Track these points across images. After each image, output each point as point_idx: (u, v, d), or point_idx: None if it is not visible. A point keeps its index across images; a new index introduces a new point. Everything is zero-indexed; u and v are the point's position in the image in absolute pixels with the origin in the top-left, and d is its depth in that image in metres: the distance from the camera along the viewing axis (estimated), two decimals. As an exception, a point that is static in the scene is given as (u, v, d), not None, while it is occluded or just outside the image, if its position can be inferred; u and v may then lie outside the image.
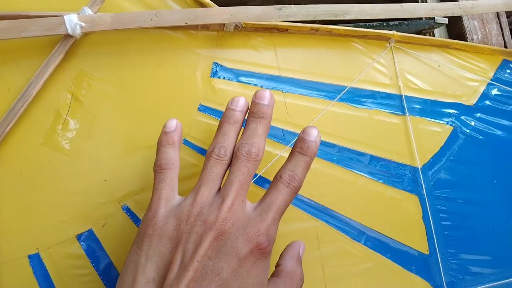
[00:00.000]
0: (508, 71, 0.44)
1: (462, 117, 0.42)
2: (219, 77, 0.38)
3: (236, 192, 0.28)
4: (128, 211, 0.35)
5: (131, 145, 0.36)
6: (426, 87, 0.42)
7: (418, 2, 0.49)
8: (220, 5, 0.37)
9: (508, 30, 0.49)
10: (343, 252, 0.38)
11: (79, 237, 0.35)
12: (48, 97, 0.35)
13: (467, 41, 0.47)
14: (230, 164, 0.30)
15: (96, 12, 0.35)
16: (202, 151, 0.37)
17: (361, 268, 0.38)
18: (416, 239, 0.39)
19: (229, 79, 0.38)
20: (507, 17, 0.50)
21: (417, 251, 0.39)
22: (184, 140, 0.37)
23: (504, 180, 0.42)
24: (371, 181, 0.39)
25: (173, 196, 0.29)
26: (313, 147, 0.31)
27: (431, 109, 0.42)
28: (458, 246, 0.40)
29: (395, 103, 0.41)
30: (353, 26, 0.43)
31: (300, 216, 0.37)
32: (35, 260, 0.34)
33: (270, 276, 0.30)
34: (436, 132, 0.41)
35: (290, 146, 0.38)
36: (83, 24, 0.34)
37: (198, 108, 0.37)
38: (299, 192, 0.35)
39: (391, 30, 0.45)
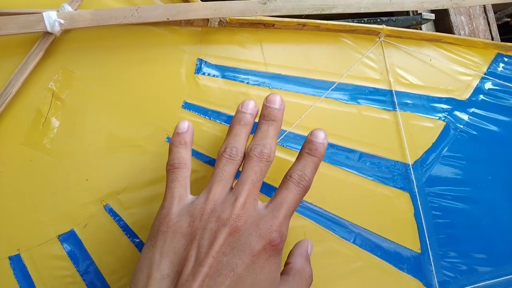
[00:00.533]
0: (502, 64, 0.43)
1: (455, 112, 0.41)
2: (203, 74, 0.37)
3: (248, 190, 0.29)
4: (110, 211, 0.35)
5: (113, 144, 0.35)
6: (418, 82, 0.41)
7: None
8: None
9: (496, 25, 0.48)
10: (332, 251, 0.37)
11: (60, 237, 0.34)
12: (29, 96, 0.35)
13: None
14: (241, 164, 0.31)
15: (76, 9, 0.35)
16: (186, 149, 0.36)
17: (351, 267, 0.37)
18: (407, 237, 0.38)
19: (214, 76, 0.37)
20: (495, 13, 0.49)
21: (409, 249, 0.38)
22: (168, 138, 0.36)
23: (498, 176, 0.41)
24: (361, 178, 0.38)
25: (186, 195, 0.30)
26: (321, 149, 0.32)
27: (422, 104, 0.41)
28: (451, 244, 0.39)
29: (386, 98, 0.40)
30: (342, 22, 0.42)
31: (287, 215, 0.37)
32: (16, 261, 0.33)
33: (280, 274, 0.30)
34: (428, 128, 0.40)
35: (282, 145, 0.37)
36: (62, 21, 0.33)
37: (182, 106, 0.37)
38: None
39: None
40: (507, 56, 0.44)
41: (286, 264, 0.31)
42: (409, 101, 0.40)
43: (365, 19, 0.43)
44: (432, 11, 0.45)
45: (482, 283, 0.39)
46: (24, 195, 0.34)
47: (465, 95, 0.42)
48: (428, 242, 0.38)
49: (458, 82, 0.42)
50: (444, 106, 0.41)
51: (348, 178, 0.38)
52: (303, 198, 0.36)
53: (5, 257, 0.33)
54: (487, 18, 0.47)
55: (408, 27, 0.46)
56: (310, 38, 0.40)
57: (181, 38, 0.37)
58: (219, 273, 0.26)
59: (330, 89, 0.39)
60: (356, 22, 0.42)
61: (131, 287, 0.27)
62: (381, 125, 0.40)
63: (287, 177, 0.31)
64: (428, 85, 0.41)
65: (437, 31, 0.48)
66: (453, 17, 0.46)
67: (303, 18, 0.39)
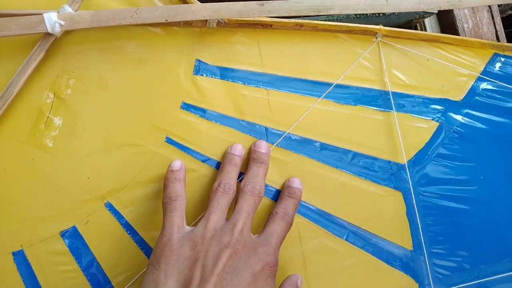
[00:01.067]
0: (499, 64, 0.44)
1: (449, 113, 0.42)
2: (202, 75, 0.38)
3: (244, 219, 0.33)
4: (111, 208, 0.36)
5: (114, 143, 0.36)
6: (413, 82, 0.41)
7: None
8: (204, 1, 0.37)
9: (500, 18, 0.47)
10: (325, 248, 0.38)
11: (62, 234, 0.35)
12: (30, 96, 0.35)
13: (457, 30, 0.47)
14: (233, 198, 0.35)
15: (76, 10, 0.35)
16: (184, 149, 0.37)
17: (344, 264, 0.38)
18: (400, 235, 0.39)
19: (212, 77, 0.38)
20: (498, 6, 0.49)
21: (401, 247, 0.39)
22: (167, 138, 0.37)
23: (491, 176, 0.42)
24: (354, 178, 0.39)
25: (183, 225, 0.33)
26: (298, 192, 0.37)
27: (417, 105, 0.41)
28: (443, 242, 0.40)
29: (381, 99, 0.41)
30: (342, 18, 0.42)
31: (282, 213, 0.38)
32: (19, 257, 0.34)
33: None
34: (422, 128, 0.41)
35: (276, 146, 0.38)
36: (62, 23, 0.34)
37: (181, 106, 0.37)
38: (279, 188, 0.38)
39: (380, 21, 0.44)
40: (504, 56, 0.44)
41: None
42: (403, 102, 0.41)
43: (367, 13, 0.43)
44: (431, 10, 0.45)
45: (474, 282, 0.40)
46: (26, 192, 0.35)
47: (459, 96, 0.42)
48: (420, 240, 0.39)
49: (453, 83, 0.42)
50: (438, 107, 0.41)
51: (341, 177, 0.39)
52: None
53: (8, 253, 0.34)
54: (491, 11, 0.47)
55: (411, 21, 0.47)
56: (308, 39, 0.40)
57: (180, 39, 0.38)
58: None
59: (327, 92, 0.39)
60: (358, 18, 0.42)
61: None
62: (375, 126, 0.40)
63: (273, 213, 0.35)
64: (423, 85, 0.42)
65: (440, 24, 0.49)
66: (456, 11, 0.46)
67: (301, 19, 0.39)
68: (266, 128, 0.38)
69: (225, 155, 0.37)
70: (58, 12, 0.34)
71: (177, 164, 0.35)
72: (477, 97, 0.42)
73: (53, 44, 0.35)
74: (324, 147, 0.39)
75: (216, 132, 0.37)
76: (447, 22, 0.48)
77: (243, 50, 0.39)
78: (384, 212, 0.39)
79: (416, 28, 0.50)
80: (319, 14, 0.38)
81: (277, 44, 0.39)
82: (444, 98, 0.42)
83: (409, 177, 0.40)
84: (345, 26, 0.40)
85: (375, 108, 0.40)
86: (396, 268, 0.39)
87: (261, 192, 0.35)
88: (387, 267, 0.39)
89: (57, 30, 0.34)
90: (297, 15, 0.38)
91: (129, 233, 0.36)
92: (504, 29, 0.47)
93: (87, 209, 0.36)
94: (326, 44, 0.40)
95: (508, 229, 0.41)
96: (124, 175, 0.36)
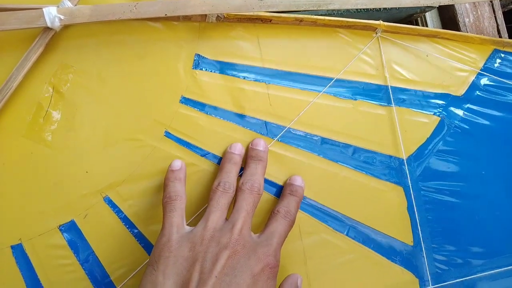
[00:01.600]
0: (499, 60, 0.43)
1: (450, 108, 0.41)
2: (201, 69, 0.38)
3: (244, 218, 0.32)
4: (110, 202, 0.36)
5: (112, 137, 0.36)
6: (413, 77, 0.41)
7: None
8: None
9: (501, 12, 0.47)
10: (325, 243, 0.38)
11: (61, 228, 0.35)
12: (29, 90, 0.36)
13: (459, 24, 0.47)
14: (233, 197, 0.34)
15: (76, 4, 0.35)
16: (184, 143, 0.37)
17: (344, 259, 0.38)
18: (400, 230, 0.39)
19: (211, 71, 0.38)
20: (500, 0, 0.49)
21: (401, 242, 0.39)
22: (166, 132, 0.37)
23: (492, 171, 0.41)
24: (355, 172, 0.39)
25: (183, 224, 0.32)
26: (300, 190, 0.37)
27: (418, 99, 0.41)
28: (443, 237, 0.40)
29: (381, 94, 0.40)
30: (342, 13, 0.42)
31: (282, 208, 0.38)
32: (18, 251, 0.34)
33: None
34: (423, 123, 0.41)
35: (277, 140, 0.38)
36: (62, 17, 0.34)
37: (180, 100, 0.37)
38: (280, 183, 0.37)
39: (380, 15, 0.44)
40: (504, 52, 0.44)
41: None
42: (404, 97, 0.41)
43: (369, 8, 0.43)
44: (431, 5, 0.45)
45: (474, 276, 0.40)
46: (25, 186, 0.35)
47: (460, 91, 0.42)
48: (420, 235, 0.39)
49: (454, 78, 0.42)
50: (439, 102, 0.41)
51: (342, 172, 0.39)
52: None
53: (7, 246, 0.34)
54: (492, 5, 0.47)
55: (412, 15, 0.46)
56: (307, 34, 0.40)
57: (179, 34, 0.38)
58: None
59: (328, 86, 0.39)
60: (358, 12, 0.42)
61: None
62: (376, 120, 0.40)
63: (275, 212, 0.35)
64: (424, 80, 0.41)
65: (441, 18, 0.48)
66: (457, 5, 0.46)
67: (300, 14, 0.39)
68: (266, 122, 0.38)
69: (225, 154, 0.37)
70: (58, 6, 0.34)
71: (177, 164, 0.35)
72: (478, 92, 0.42)
73: (53, 38, 0.35)
74: (324, 141, 0.39)
75: (215, 127, 0.37)
76: (448, 16, 0.48)
77: (242, 44, 0.39)
78: (385, 207, 0.39)
79: (417, 23, 0.50)
80: (318, 8, 0.38)
81: (277, 38, 0.39)
82: (445, 93, 0.42)
83: (407, 172, 0.40)
84: (344, 22, 0.40)
85: (376, 102, 0.40)
86: (396, 263, 0.39)
87: (260, 190, 0.35)
88: (388, 262, 0.39)
89: (57, 24, 0.34)
90: (296, 9, 0.38)
91: (127, 227, 0.36)
92: (505, 24, 0.47)
93: (85, 203, 0.36)
94: (326, 39, 0.40)
95: (509, 224, 0.41)
96: (123, 169, 0.36)
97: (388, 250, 0.39)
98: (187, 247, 0.30)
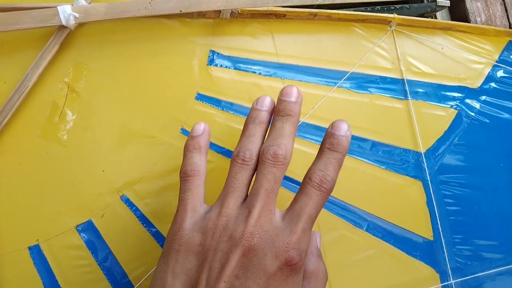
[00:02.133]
0: (515, 52, 0.43)
1: (467, 100, 0.41)
2: (216, 65, 0.38)
3: (262, 202, 0.26)
4: (127, 201, 0.35)
5: (128, 136, 0.36)
6: (429, 70, 0.41)
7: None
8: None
9: (514, 11, 0.47)
10: (345, 239, 0.37)
11: (78, 228, 0.35)
12: (45, 89, 0.35)
13: (470, 23, 0.46)
14: (256, 168, 0.28)
15: (90, 2, 0.35)
16: (200, 140, 0.36)
17: (363, 255, 0.38)
18: (420, 225, 0.39)
19: (226, 67, 0.38)
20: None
21: (421, 237, 0.38)
22: (182, 129, 0.36)
23: (511, 164, 0.41)
24: (373, 167, 0.39)
25: (200, 205, 0.28)
26: (344, 142, 0.29)
27: (434, 92, 0.41)
28: (463, 231, 0.39)
29: (397, 87, 0.40)
30: (355, 10, 0.42)
31: (300, 204, 0.37)
32: (35, 252, 0.34)
33: None
34: (440, 116, 0.40)
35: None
36: (76, 15, 0.34)
37: (196, 97, 0.37)
38: (298, 179, 0.36)
39: (391, 13, 0.44)
40: (519, 43, 0.43)
41: None
42: (420, 90, 0.40)
43: (378, 7, 0.43)
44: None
45: (494, 270, 0.39)
46: (41, 186, 0.35)
47: (476, 83, 0.42)
48: (440, 230, 0.38)
49: (470, 70, 0.42)
50: (456, 95, 0.41)
51: (360, 167, 0.38)
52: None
53: (24, 247, 0.34)
54: (504, 3, 0.47)
55: (423, 15, 0.46)
56: (322, 28, 0.40)
57: (194, 30, 0.38)
58: None
59: (344, 79, 0.39)
60: (369, 11, 0.42)
61: None
62: (393, 114, 0.40)
63: (306, 180, 0.28)
64: (440, 73, 0.41)
65: (452, 18, 0.48)
66: (468, 4, 0.46)
67: (315, 8, 0.39)
68: (282, 118, 0.38)
69: (250, 111, 0.31)
70: (72, 4, 0.34)
71: (199, 128, 0.30)
72: (494, 84, 0.42)
73: (67, 37, 0.35)
74: (341, 136, 0.38)
75: (231, 123, 0.37)
76: (459, 15, 0.47)
77: (257, 40, 0.38)
78: (404, 201, 0.39)
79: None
80: (333, 2, 0.38)
81: (291, 34, 0.39)
82: (461, 86, 0.41)
83: (425, 166, 0.39)
84: (359, 15, 0.39)
85: (392, 96, 0.40)
86: (416, 258, 0.38)
87: (287, 158, 0.27)
88: (408, 257, 0.38)
89: (72, 22, 0.34)
90: (311, 3, 0.38)
91: (145, 226, 0.35)
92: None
93: (102, 203, 0.35)
94: (341, 33, 0.40)
95: (532, 216, 0.40)
96: (140, 167, 0.36)
97: (408, 245, 0.38)
98: (198, 239, 0.26)
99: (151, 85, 0.37)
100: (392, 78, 0.40)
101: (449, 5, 0.44)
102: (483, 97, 0.41)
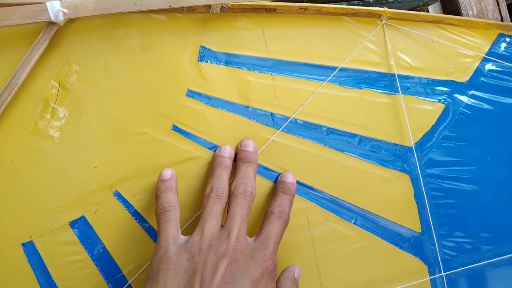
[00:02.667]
0: (504, 45, 0.43)
1: (455, 95, 0.42)
2: (206, 61, 0.38)
3: (239, 224, 0.32)
4: (120, 197, 0.36)
5: (120, 132, 0.36)
6: (418, 65, 0.41)
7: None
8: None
9: (505, 5, 0.47)
10: (334, 232, 0.38)
11: (72, 224, 0.35)
12: (35, 86, 0.35)
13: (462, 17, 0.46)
14: (226, 202, 0.34)
15: (79, -2, 0.35)
16: (191, 137, 0.37)
17: (352, 248, 0.38)
18: (408, 218, 0.40)
19: (216, 63, 0.38)
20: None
21: (409, 229, 0.39)
22: (173, 126, 0.37)
23: (497, 157, 0.42)
24: (361, 162, 0.39)
25: (179, 235, 0.32)
26: (292, 187, 0.36)
27: (422, 87, 0.41)
28: (451, 223, 0.40)
29: (386, 82, 0.40)
30: (346, 5, 0.42)
31: (291, 198, 0.38)
32: (29, 248, 0.34)
33: None
34: (428, 110, 0.41)
35: (281, 131, 0.38)
36: (65, 11, 0.34)
37: (186, 94, 0.37)
38: (278, 170, 0.37)
39: (382, 7, 0.44)
40: (509, 36, 0.44)
41: None
42: (409, 84, 0.41)
43: (370, 0, 0.43)
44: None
45: (482, 262, 0.40)
46: (34, 183, 0.35)
47: (465, 77, 0.42)
48: (428, 222, 0.39)
49: (459, 65, 0.42)
50: (444, 89, 0.41)
51: (348, 161, 0.39)
52: (305, 182, 0.38)
53: (18, 244, 0.34)
54: (496, -3, 0.47)
55: (415, 9, 0.46)
56: (312, 22, 0.40)
57: (184, 26, 0.37)
58: None
59: (332, 75, 0.39)
60: (361, 5, 0.42)
61: None
62: (381, 109, 0.40)
63: (268, 213, 0.34)
64: (428, 67, 0.41)
65: (444, 12, 0.48)
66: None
67: (305, 2, 0.39)
68: (272, 114, 0.38)
69: (214, 157, 0.36)
70: (61, 0, 0.34)
71: (167, 173, 0.35)
72: (482, 78, 0.42)
73: (57, 33, 0.35)
74: (330, 131, 0.39)
75: (222, 119, 0.37)
76: (451, 9, 0.47)
77: (247, 35, 0.38)
78: (392, 195, 0.39)
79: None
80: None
81: (282, 28, 0.39)
82: (449, 80, 0.42)
83: (416, 159, 0.40)
84: (349, 9, 0.39)
85: (381, 91, 0.40)
86: (405, 250, 0.39)
87: (253, 193, 0.34)
88: (396, 249, 0.39)
89: (61, 18, 0.34)
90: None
91: (138, 221, 0.36)
92: (510, 16, 0.47)
93: (95, 199, 0.36)
94: (331, 28, 0.40)
95: (516, 209, 0.41)
96: (132, 164, 0.36)
97: (396, 238, 0.39)
98: (185, 258, 0.30)
99: (142, 81, 0.37)
100: (381, 73, 0.40)
101: None
102: (471, 91, 0.42)
